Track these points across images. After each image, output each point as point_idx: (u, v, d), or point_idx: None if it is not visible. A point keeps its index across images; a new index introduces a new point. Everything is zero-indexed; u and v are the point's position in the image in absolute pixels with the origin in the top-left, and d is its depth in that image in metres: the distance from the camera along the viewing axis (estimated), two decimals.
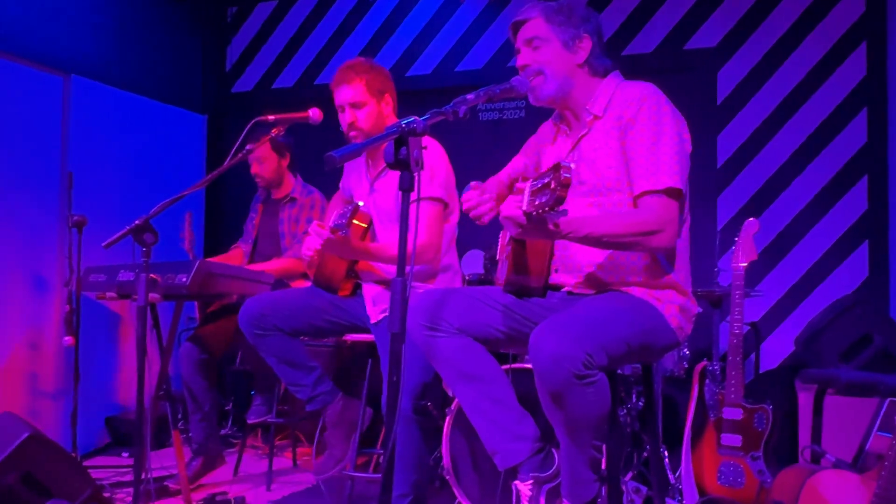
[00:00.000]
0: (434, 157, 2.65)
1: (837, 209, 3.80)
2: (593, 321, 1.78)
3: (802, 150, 3.87)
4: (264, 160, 3.69)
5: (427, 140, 2.68)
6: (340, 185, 3.07)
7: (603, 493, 1.92)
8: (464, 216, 2.79)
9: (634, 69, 4.07)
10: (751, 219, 2.88)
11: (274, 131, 2.68)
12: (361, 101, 2.69)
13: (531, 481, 1.94)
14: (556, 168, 1.55)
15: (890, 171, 3.70)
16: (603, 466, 2.03)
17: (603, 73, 2.05)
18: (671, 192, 1.88)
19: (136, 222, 2.31)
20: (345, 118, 2.72)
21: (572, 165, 1.56)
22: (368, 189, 2.82)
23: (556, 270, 2.05)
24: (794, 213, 3.88)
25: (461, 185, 2.87)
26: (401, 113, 2.73)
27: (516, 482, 1.97)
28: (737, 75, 3.99)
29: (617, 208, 1.96)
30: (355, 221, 2.68)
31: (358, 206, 2.53)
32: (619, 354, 1.80)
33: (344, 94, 2.70)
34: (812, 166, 3.86)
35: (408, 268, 1.65)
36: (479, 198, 1.89)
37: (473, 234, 3.26)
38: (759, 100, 3.95)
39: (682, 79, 4.05)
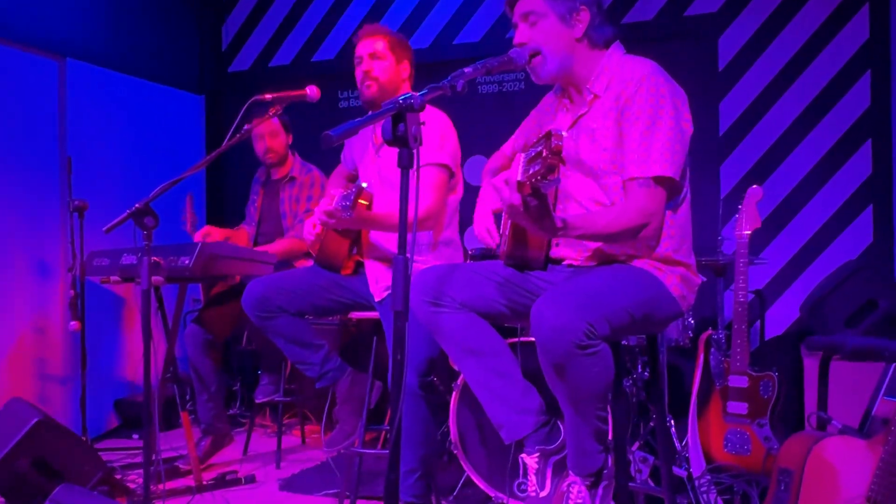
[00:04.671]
0: (445, 127, 2.66)
1: (841, 174, 3.77)
2: (594, 291, 1.77)
3: (805, 115, 3.84)
4: (277, 134, 3.71)
5: (436, 111, 2.69)
6: (342, 157, 3.04)
7: (609, 464, 1.93)
8: (467, 193, 2.79)
9: (635, 37, 4.04)
10: (754, 186, 2.85)
11: (272, 110, 2.67)
12: (382, 54, 2.71)
13: (537, 454, 1.94)
14: (548, 136, 1.54)
15: (894, 134, 3.67)
16: (609, 437, 2.04)
17: (604, 45, 2.01)
18: (660, 181, 1.85)
19: (137, 206, 2.30)
20: (361, 68, 2.73)
21: (564, 133, 1.55)
22: (374, 154, 2.80)
23: (557, 244, 2.03)
24: (797, 180, 3.86)
25: (462, 159, 2.86)
26: None
27: (523, 455, 1.98)
28: (738, 41, 3.95)
29: (615, 190, 1.93)
30: (361, 201, 2.67)
31: (362, 186, 2.51)
32: (621, 324, 1.79)
33: (366, 46, 2.73)
34: (815, 131, 3.82)
35: (410, 238, 1.63)
36: None
37: None
38: (761, 65, 3.91)
39: (683, 46, 4.01)
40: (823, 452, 1.84)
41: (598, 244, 1.96)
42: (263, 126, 3.61)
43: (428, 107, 2.69)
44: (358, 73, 2.75)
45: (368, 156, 2.82)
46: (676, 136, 1.86)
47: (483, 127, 4.25)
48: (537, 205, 1.66)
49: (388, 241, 2.67)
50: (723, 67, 3.98)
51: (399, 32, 2.82)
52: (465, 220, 2.80)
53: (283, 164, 3.78)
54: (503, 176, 1.69)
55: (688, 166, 1.97)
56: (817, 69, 3.81)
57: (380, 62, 2.70)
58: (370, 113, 1.82)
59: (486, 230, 2.09)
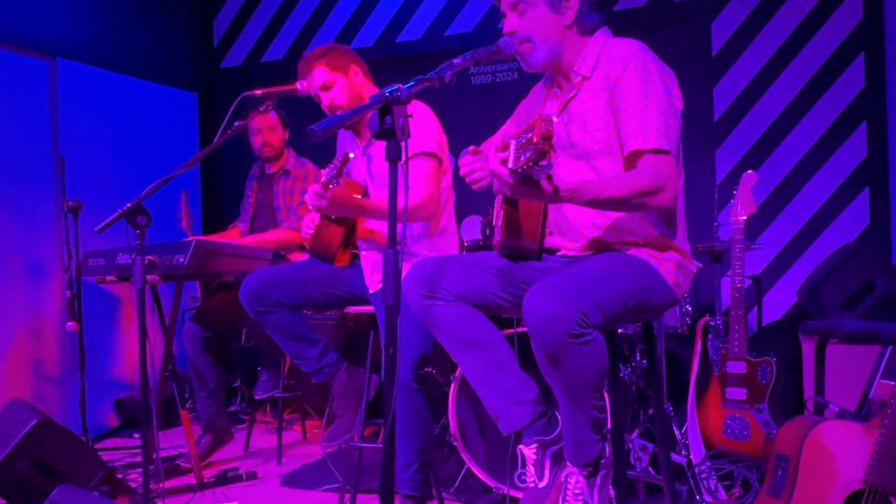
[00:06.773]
0: (424, 116, 2.65)
1: (837, 157, 3.76)
2: (586, 280, 1.76)
3: (800, 98, 3.82)
4: (274, 129, 3.71)
5: (415, 103, 2.66)
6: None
7: (607, 453, 1.92)
8: (460, 184, 2.78)
9: (627, 24, 4.02)
10: (749, 171, 2.85)
11: (263, 105, 2.66)
12: (329, 81, 2.71)
13: (535, 445, 1.94)
14: (538, 122, 1.53)
15: (889, 115, 3.66)
16: (608, 425, 2.04)
17: (591, 31, 2.01)
18: (661, 151, 1.84)
19: (128, 205, 2.30)
20: (323, 103, 2.75)
21: (554, 119, 1.53)
22: (361, 157, 2.81)
23: (551, 233, 2.03)
24: (793, 164, 3.84)
25: (456, 150, 2.85)
26: (391, 80, 2.70)
27: (521, 446, 1.98)
28: (731, 25, 3.93)
29: (606, 171, 1.93)
30: (346, 172, 2.67)
31: (348, 155, 2.51)
32: (614, 313, 1.78)
33: (311, 83, 2.73)
34: (810, 114, 3.81)
35: (403, 229, 1.63)
36: (475, 163, 1.96)
37: (472, 199, 3.25)
38: (754, 50, 3.90)
39: (675, 32, 3.99)
40: (820, 437, 1.84)
41: (593, 233, 1.96)
42: (261, 121, 3.61)
43: None
44: (323, 108, 2.77)
45: (357, 158, 2.83)
46: (669, 110, 1.85)
47: (477, 118, 4.24)
48: (529, 186, 1.65)
49: (384, 230, 2.67)
50: (716, 53, 3.97)
51: (335, 42, 2.86)
52: (462, 210, 2.80)
53: (278, 158, 3.78)
54: (498, 158, 1.68)
55: (681, 148, 1.96)
56: (811, 52, 3.79)
57: (333, 90, 2.71)
58: (354, 108, 1.81)
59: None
